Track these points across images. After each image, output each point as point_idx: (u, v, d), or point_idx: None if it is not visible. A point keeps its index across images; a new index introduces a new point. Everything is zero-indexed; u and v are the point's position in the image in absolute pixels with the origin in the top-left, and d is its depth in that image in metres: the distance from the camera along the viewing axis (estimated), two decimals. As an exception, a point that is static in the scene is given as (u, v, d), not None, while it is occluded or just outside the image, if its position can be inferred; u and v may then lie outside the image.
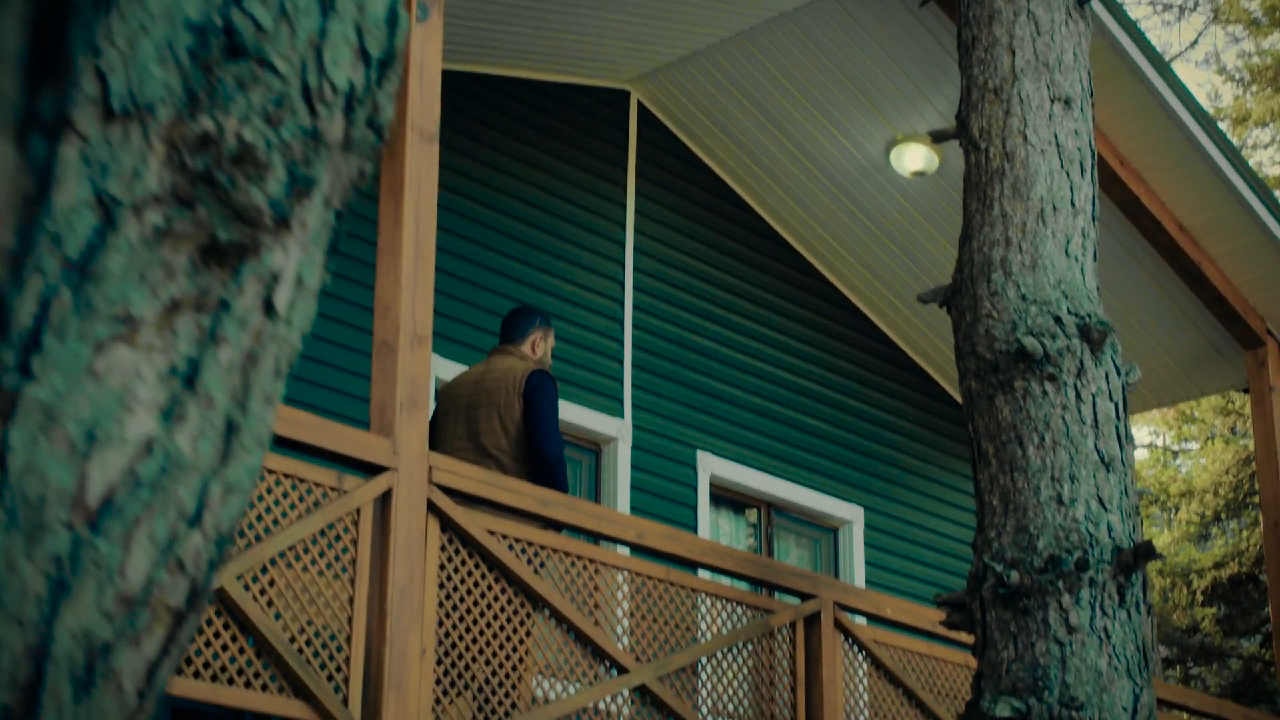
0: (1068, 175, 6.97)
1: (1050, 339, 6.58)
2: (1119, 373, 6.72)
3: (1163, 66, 10.16)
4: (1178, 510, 23.83)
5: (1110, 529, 6.39)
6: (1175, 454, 25.36)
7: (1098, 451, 6.52)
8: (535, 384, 7.18)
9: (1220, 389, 12.89)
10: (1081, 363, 6.60)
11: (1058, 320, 6.62)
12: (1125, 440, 6.75)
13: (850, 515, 11.90)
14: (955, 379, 12.77)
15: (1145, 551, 6.37)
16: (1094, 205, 7.02)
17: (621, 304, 10.86)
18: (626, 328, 10.83)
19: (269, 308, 1.09)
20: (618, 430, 10.52)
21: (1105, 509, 6.43)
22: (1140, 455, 25.94)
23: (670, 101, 11.23)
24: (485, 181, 10.25)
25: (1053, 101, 7.04)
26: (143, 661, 1.06)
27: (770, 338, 11.77)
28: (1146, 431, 26.38)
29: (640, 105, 11.27)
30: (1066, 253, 6.85)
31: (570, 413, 10.29)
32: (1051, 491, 6.46)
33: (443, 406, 7.43)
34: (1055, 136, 6.98)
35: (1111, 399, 6.65)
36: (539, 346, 7.51)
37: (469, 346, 9.83)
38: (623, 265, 10.94)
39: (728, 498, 11.41)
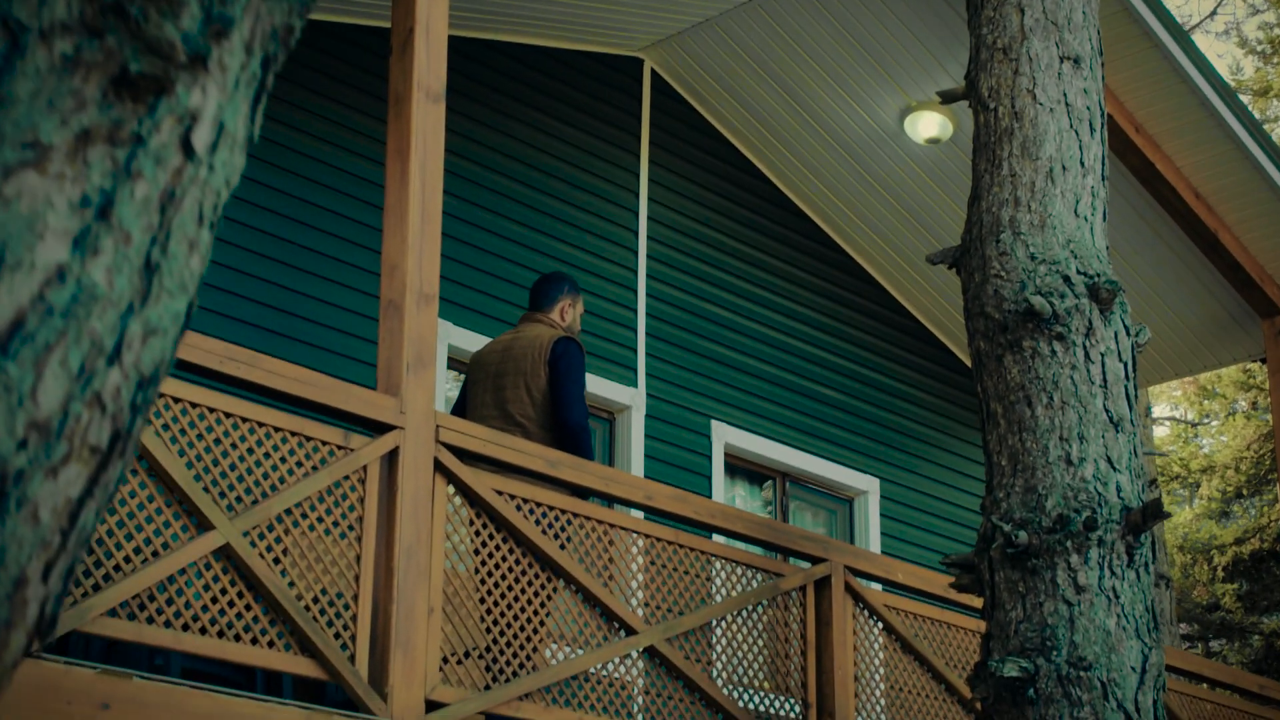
0: (1077, 134, 6.93)
1: (1059, 298, 6.55)
2: (1128, 333, 6.69)
3: (1177, 31, 10.12)
4: (1199, 486, 23.75)
5: (1119, 489, 6.37)
6: (1195, 426, 25.26)
7: (1106, 411, 6.50)
8: (560, 351, 7.24)
9: (1238, 359, 12.83)
10: (1090, 322, 6.57)
11: (1066, 279, 6.59)
12: (1134, 400, 6.72)
13: (866, 486, 11.88)
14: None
15: (1154, 511, 6.34)
16: (1103, 164, 6.98)
17: (635, 272, 10.86)
18: (640, 296, 10.83)
19: (188, 148, 1.08)
20: (632, 399, 10.52)
21: (1114, 469, 6.41)
22: (1161, 431, 25.84)
23: (683, 69, 11.21)
24: (498, 149, 10.25)
25: (1062, 60, 7.00)
26: (62, 497, 1.06)
27: (785, 307, 11.75)
28: (1167, 407, 26.28)
29: (653, 73, 11.25)
30: (1075, 212, 6.81)
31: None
32: (1060, 451, 6.44)
33: (472, 375, 7.47)
34: (1064, 95, 6.95)
35: (1121, 359, 6.61)
36: (568, 313, 7.56)
37: (484, 315, 9.83)
38: (636, 233, 10.94)
39: (742, 467, 11.40)
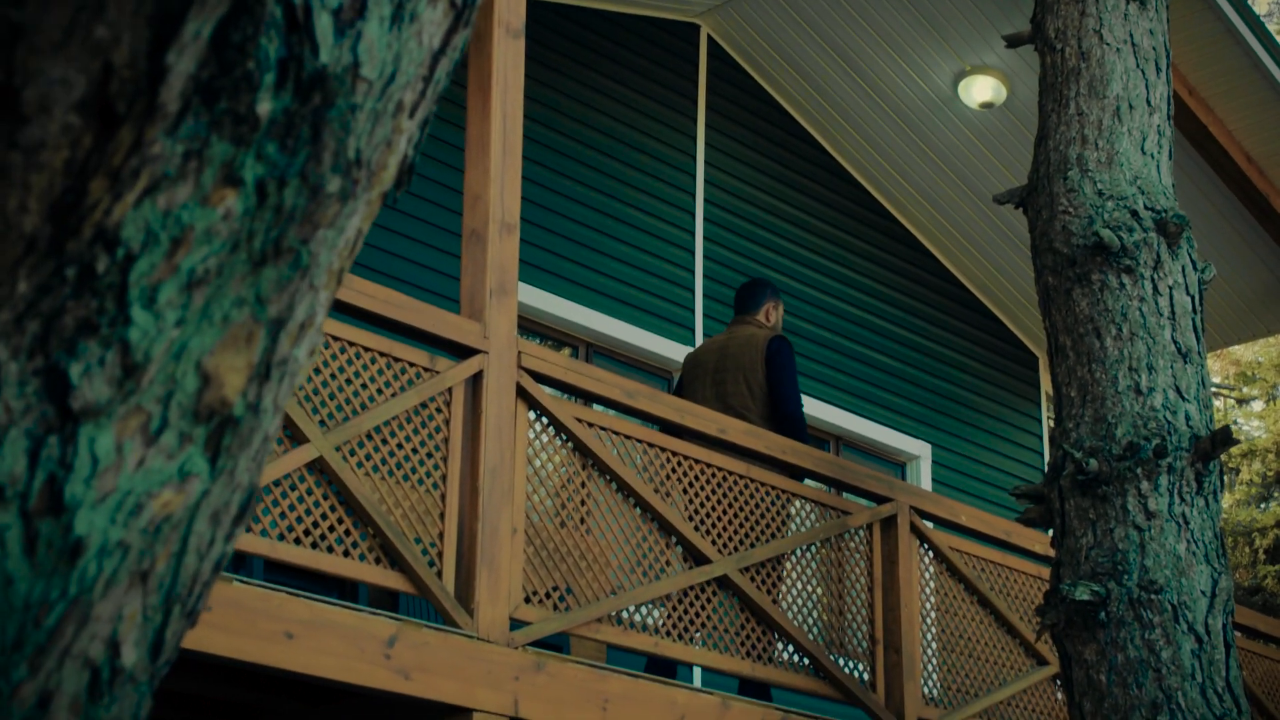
0: (1143, 73, 7.02)
1: (1127, 232, 6.64)
2: (1195, 267, 6.77)
3: (1231, -6, 10.18)
4: (1239, 472, 23.75)
5: (1188, 417, 6.45)
6: (1241, 405, 25.20)
7: (1175, 343, 6.58)
8: (775, 349, 8.04)
9: (1287, 327, 12.87)
10: (1158, 256, 6.66)
11: (1134, 214, 6.68)
12: (1201, 333, 6.80)
13: (918, 451, 11.98)
14: (1020, 320, 12.83)
15: (1223, 438, 6.42)
16: (1169, 104, 7.07)
17: (693, 234, 10.98)
18: (698, 257, 10.95)
19: None
20: (689, 358, 10.63)
21: (1183, 398, 6.49)
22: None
23: (739, 35, 11.33)
24: (557, 108, 10.38)
25: (1128, 1, 7.09)
26: (431, 35, 1.19)
27: (838, 272, 11.85)
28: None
29: (710, 39, 11.37)
30: (1143, 150, 6.91)
31: (643, 340, 10.42)
32: (1129, 381, 6.52)
33: (689, 374, 8.28)
34: (1130, 35, 7.04)
35: (1188, 292, 6.70)
36: (772, 315, 8.38)
37: (546, 271, 9.96)
38: (694, 195, 11.06)
39: (797, 430, 11.49)
